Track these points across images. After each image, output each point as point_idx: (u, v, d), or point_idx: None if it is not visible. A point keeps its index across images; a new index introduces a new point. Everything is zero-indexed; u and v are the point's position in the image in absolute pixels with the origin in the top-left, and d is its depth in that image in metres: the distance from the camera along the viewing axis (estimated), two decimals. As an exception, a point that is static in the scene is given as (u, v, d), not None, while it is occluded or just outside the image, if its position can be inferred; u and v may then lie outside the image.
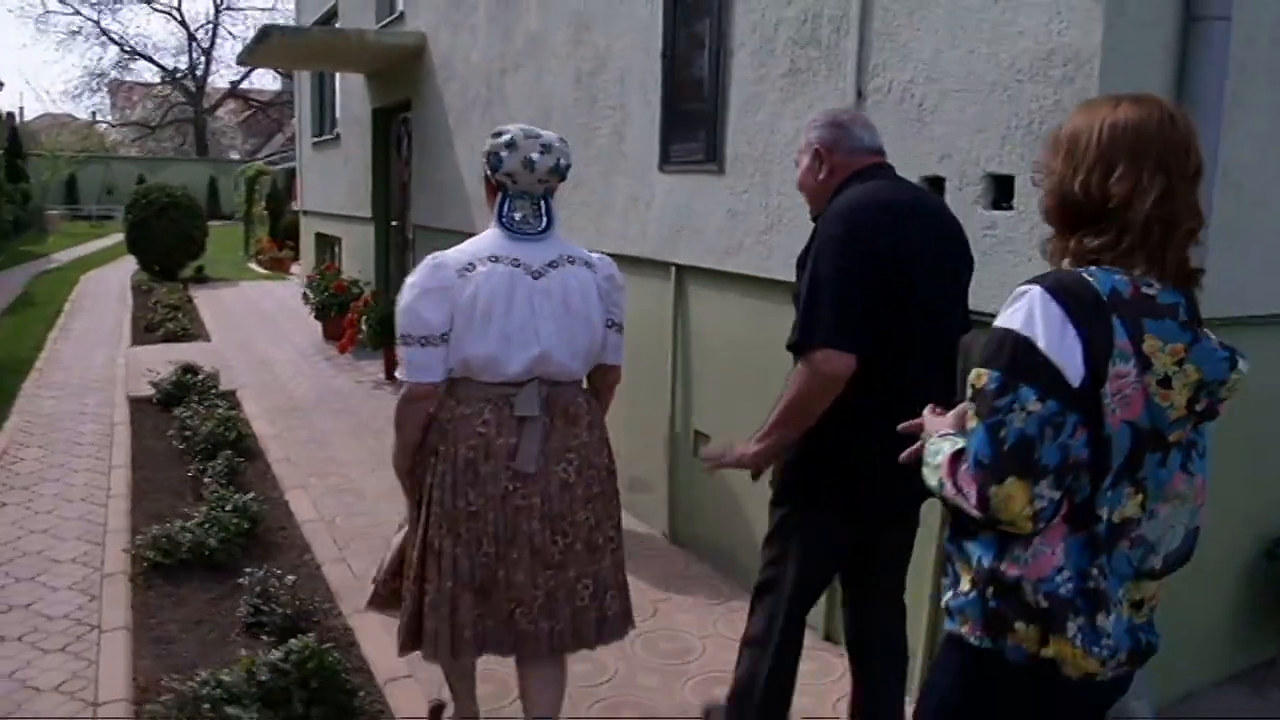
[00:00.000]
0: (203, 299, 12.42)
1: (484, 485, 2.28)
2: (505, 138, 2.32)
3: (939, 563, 2.75)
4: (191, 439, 5.40)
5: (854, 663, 2.53)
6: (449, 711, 2.75)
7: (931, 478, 1.51)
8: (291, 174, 16.58)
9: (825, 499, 2.28)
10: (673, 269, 4.30)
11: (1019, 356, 1.38)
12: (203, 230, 15.14)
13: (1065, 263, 1.48)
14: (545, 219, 2.36)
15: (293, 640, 2.84)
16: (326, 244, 12.19)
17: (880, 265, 2.12)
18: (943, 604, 1.56)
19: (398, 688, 2.99)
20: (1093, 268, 1.42)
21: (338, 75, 10.33)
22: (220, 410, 6.02)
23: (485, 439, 2.27)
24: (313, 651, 2.77)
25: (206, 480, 4.68)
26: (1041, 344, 1.37)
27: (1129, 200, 1.40)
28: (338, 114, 10.54)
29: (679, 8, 4.15)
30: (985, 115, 2.75)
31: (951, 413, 1.56)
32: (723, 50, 3.84)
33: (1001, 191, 2.77)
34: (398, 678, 3.03)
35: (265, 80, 41.04)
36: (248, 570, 3.58)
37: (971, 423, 1.41)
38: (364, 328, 7.61)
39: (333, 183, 11.06)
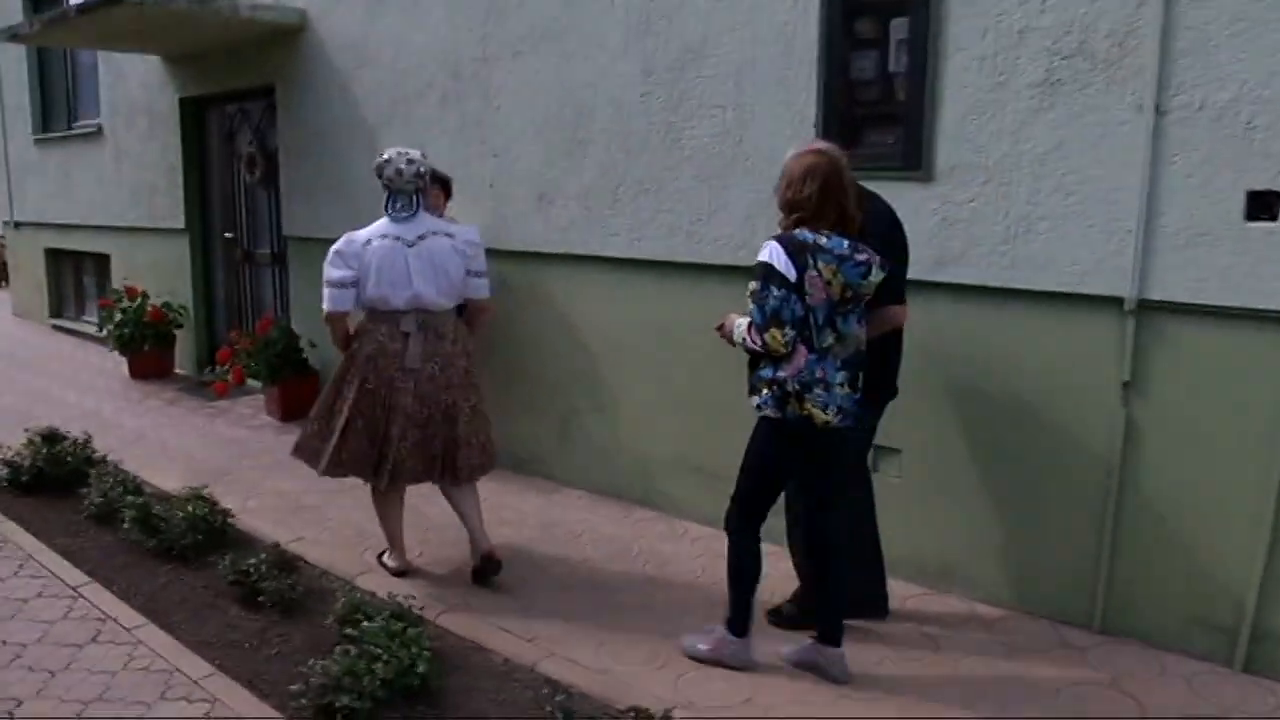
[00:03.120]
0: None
1: (380, 373, 3.69)
2: (385, 156, 3.74)
3: None
4: (162, 533, 4.11)
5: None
6: (391, 561, 4.00)
7: (737, 337, 3.02)
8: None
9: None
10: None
11: (768, 272, 2.89)
12: None
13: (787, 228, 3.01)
14: (414, 207, 3.73)
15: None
16: (71, 264, 9.87)
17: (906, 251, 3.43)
18: (754, 406, 3.03)
19: None
20: (803, 228, 2.96)
21: (101, 57, 8.35)
22: (127, 485, 4.67)
23: (381, 345, 3.70)
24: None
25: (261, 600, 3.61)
26: (777, 265, 2.88)
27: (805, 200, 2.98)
28: (102, 103, 8.52)
29: (845, 6, 3.87)
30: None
31: (736, 315, 3.09)
32: (930, 54, 3.64)
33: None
34: None
35: None
36: None
37: (750, 307, 2.94)
38: (250, 363, 6.28)
39: (88, 188, 8.95)
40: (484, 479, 4.01)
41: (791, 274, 2.86)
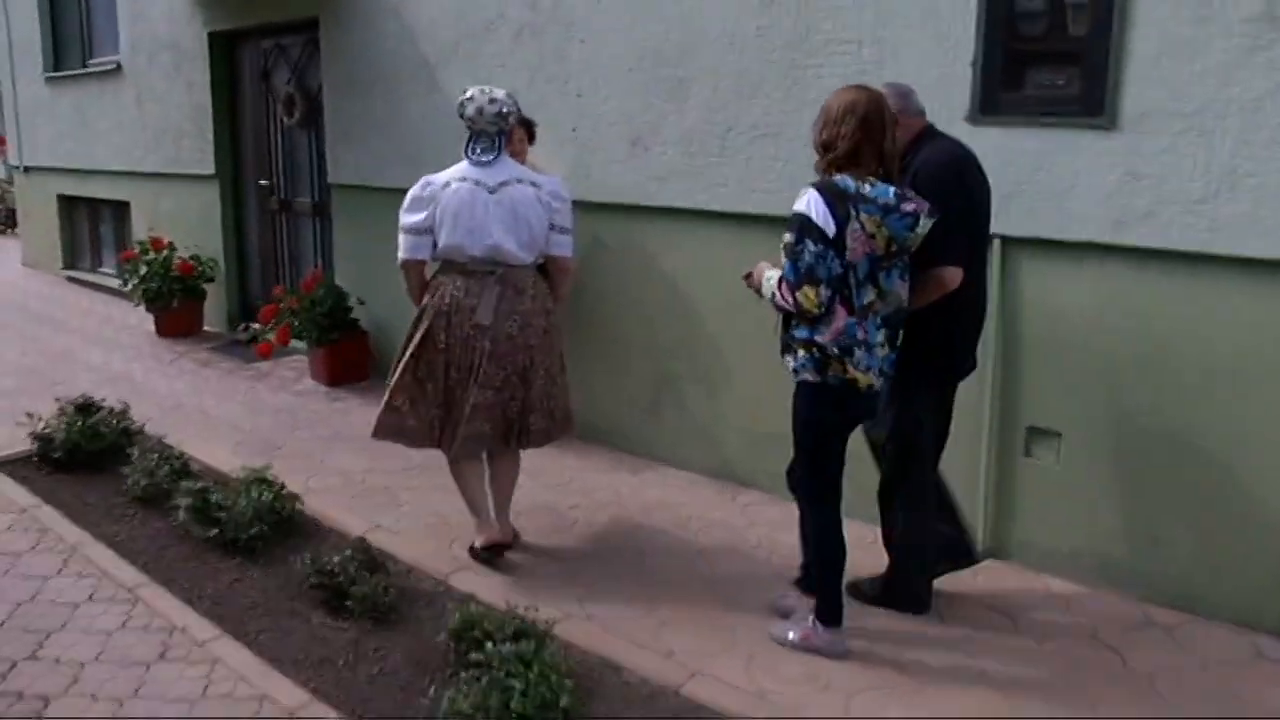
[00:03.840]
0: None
1: (454, 330, 3.35)
2: (468, 94, 3.40)
3: None
4: (224, 523, 3.64)
5: None
6: (478, 538, 3.55)
7: (767, 293, 2.80)
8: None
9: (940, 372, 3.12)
10: (996, 242, 3.49)
11: (804, 224, 2.65)
12: None
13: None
14: (496, 151, 3.40)
15: None
16: (86, 212, 9.29)
17: (974, 204, 3.02)
18: (790, 369, 2.85)
19: None
20: (843, 174, 2.70)
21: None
22: (174, 463, 4.20)
23: (456, 300, 3.35)
24: None
25: (350, 606, 3.13)
26: (814, 217, 2.64)
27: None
28: (122, 39, 7.88)
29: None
30: None
31: (767, 264, 2.90)
32: (1122, -21, 3.08)
33: None
34: None
35: None
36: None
37: (784, 261, 2.71)
38: (294, 323, 5.77)
39: (106, 131, 8.34)
40: (559, 451, 3.93)
41: (830, 227, 2.63)
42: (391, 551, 3.57)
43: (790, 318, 2.79)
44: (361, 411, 5.21)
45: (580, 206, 4.67)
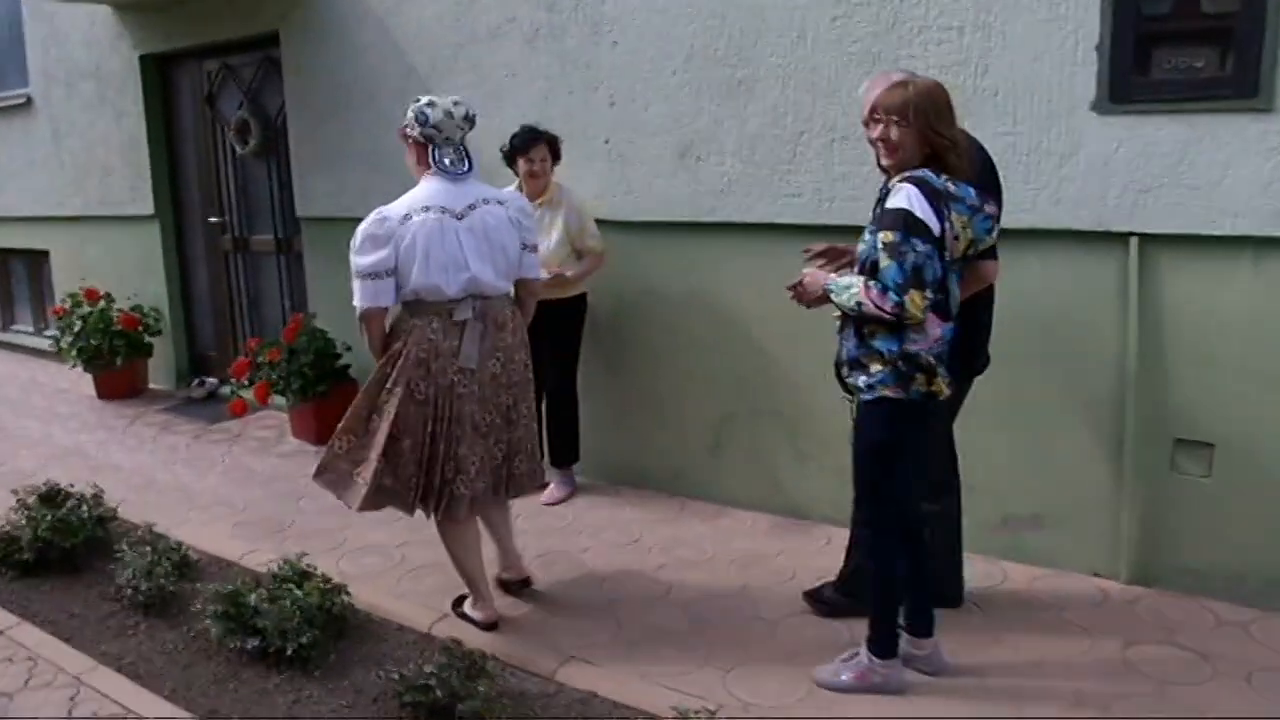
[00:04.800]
0: None
1: (434, 379, 2.94)
2: (425, 100, 3.01)
3: None
4: (266, 631, 3.00)
5: None
6: (476, 612, 3.17)
7: (848, 301, 2.50)
8: None
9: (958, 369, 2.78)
10: (1132, 241, 3.16)
11: (910, 221, 2.41)
12: None
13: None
14: (467, 163, 3.03)
15: None
16: (-9, 263, 8.27)
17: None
18: (857, 385, 2.59)
19: None
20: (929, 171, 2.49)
21: (28, 11, 6.82)
22: (172, 556, 3.55)
23: (434, 343, 2.94)
24: None
25: None
26: (919, 213, 2.41)
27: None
28: (30, 68, 6.99)
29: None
30: None
31: (823, 272, 2.71)
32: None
33: None
34: None
35: None
36: None
37: (886, 263, 2.41)
38: (274, 377, 5.08)
39: (16, 173, 7.39)
40: (610, 501, 3.74)
41: (935, 225, 2.42)
42: (477, 645, 3.00)
43: (863, 329, 2.54)
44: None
45: (614, 226, 4.22)
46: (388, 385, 2.97)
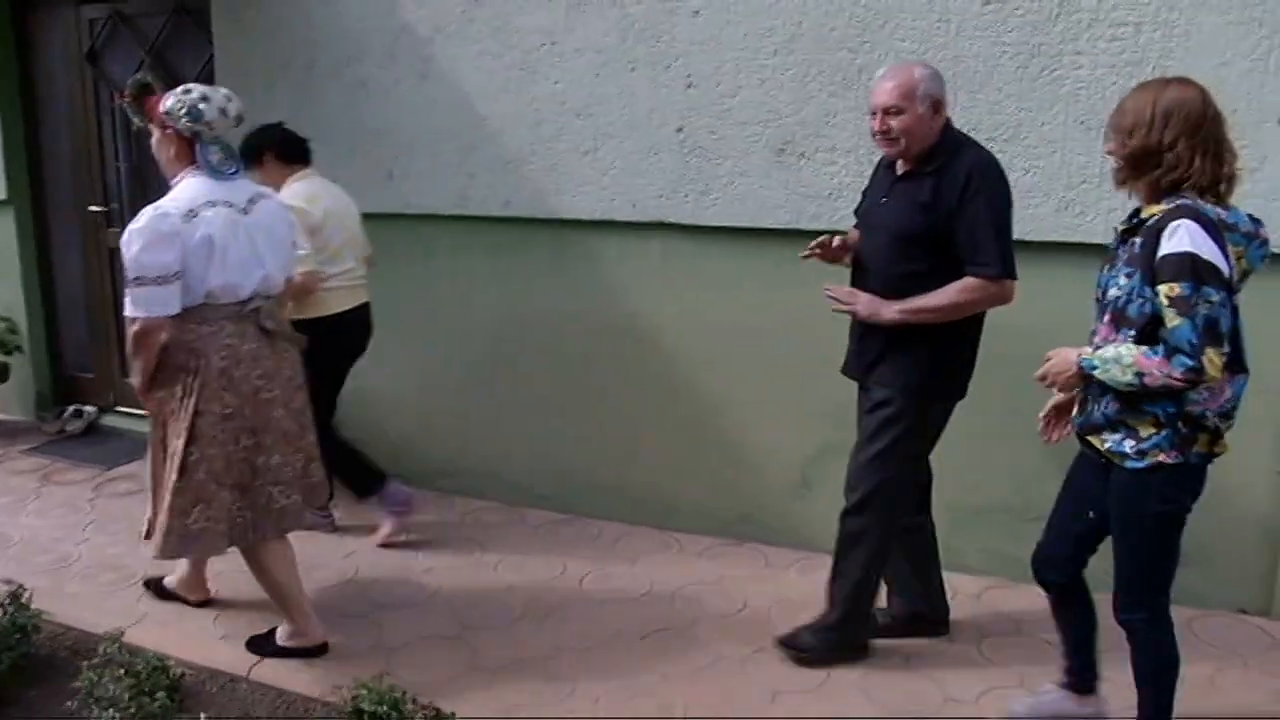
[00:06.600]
0: None
1: (238, 387, 2.73)
2: (196, 93, 2.72)
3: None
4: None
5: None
6: (292, 639, 2.95)
7: (1125, 377, 2.09)
8: None
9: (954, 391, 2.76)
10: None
11: (1200, 267, 2.00)
12: None
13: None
14: (236, 161, 2.83)
15: None
16: None
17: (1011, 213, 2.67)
18: (1126, 451, 2.19)
19: None
20: (1201, 201, 2.09)
21: None
22: (154, 675, 2.65)
23: (234, 348, 2.73)
24: None
25: None
26: (1209, 257, 2.01)
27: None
28: None
29: None
30: None
31: (1069, 349, 2.24)
32: None
33: None
34: None
35: None
36: None
37: (1176, 321, 2.01)
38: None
39: None
40: (678, 555, 3.52)
41: (1225, 268, 2.03)
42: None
43: (1131, 395, 2.15)
44: (371, 533, 3.76)
45: (683, 231, 3.61)
46: (181, 415, 2.69)
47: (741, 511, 3.77)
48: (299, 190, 3.45)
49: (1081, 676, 2.56)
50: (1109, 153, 2.24)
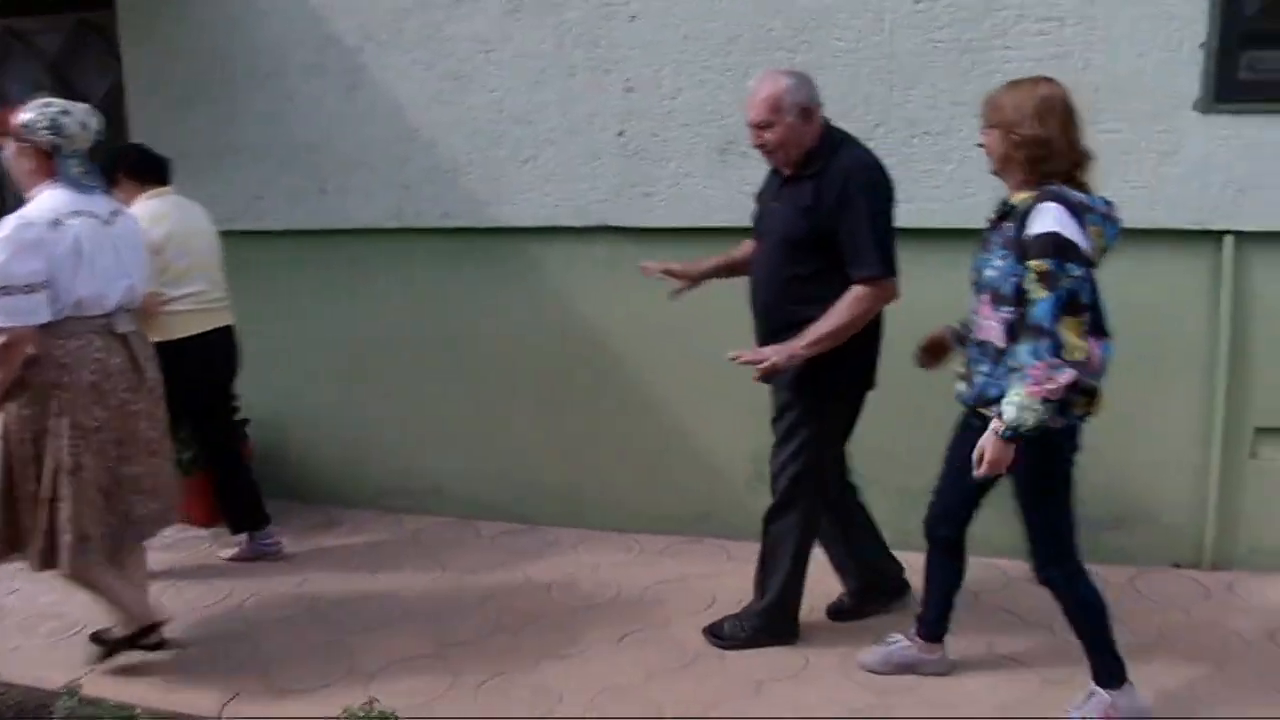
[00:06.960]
0: None
1: (107, 400, 2.77)
2: (58, 106, 2.72)
3: None
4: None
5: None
6: (122, 628, 2.97)
7: (1038, 406, 2.21)
8: None
9: (855, 388, 2.85)
10: (1227, 239, 3.16)
11: (1063, 245, 2.20)
12: None
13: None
14: (94, 175, 2.84)
15: None
16: None
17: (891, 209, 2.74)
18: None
19: None
20: (1065, 187, 2.29)
21: None
22: None
23: (102, 361, 2.77)
24: None
25: None
26: (1070, 234, 2.21)
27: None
28: None
29: None
30: None
31: (992, 438, 2.29)
32: None
33: None
34: None
35: None
36: None
37: (1039, 294, 2.20)
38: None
39: None
40: (635, 556, 3.51)
41: (1085, 245, 2.25)
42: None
43: (1002, 360, 2.35)
44: (324, 557, 3.66)
45: (628, 234, 3.64)
46: (51, 428, 2.68)
47: (699, 509, 3.81)
48: (144, 209, 3.35)
49: (935, 627, 2.79)
50: (984, 144, 2.42)
